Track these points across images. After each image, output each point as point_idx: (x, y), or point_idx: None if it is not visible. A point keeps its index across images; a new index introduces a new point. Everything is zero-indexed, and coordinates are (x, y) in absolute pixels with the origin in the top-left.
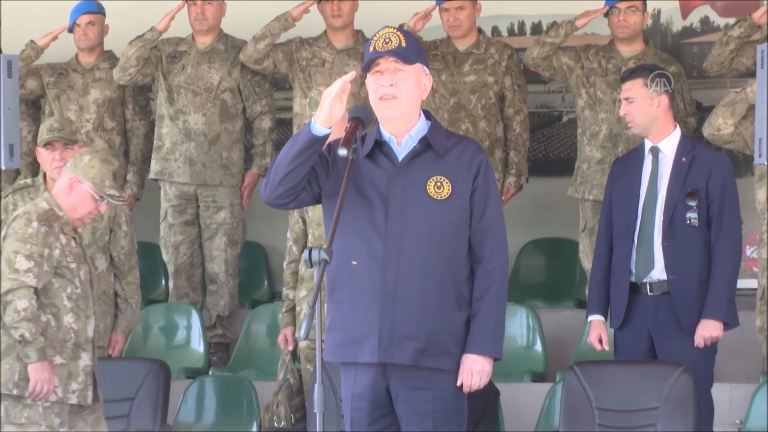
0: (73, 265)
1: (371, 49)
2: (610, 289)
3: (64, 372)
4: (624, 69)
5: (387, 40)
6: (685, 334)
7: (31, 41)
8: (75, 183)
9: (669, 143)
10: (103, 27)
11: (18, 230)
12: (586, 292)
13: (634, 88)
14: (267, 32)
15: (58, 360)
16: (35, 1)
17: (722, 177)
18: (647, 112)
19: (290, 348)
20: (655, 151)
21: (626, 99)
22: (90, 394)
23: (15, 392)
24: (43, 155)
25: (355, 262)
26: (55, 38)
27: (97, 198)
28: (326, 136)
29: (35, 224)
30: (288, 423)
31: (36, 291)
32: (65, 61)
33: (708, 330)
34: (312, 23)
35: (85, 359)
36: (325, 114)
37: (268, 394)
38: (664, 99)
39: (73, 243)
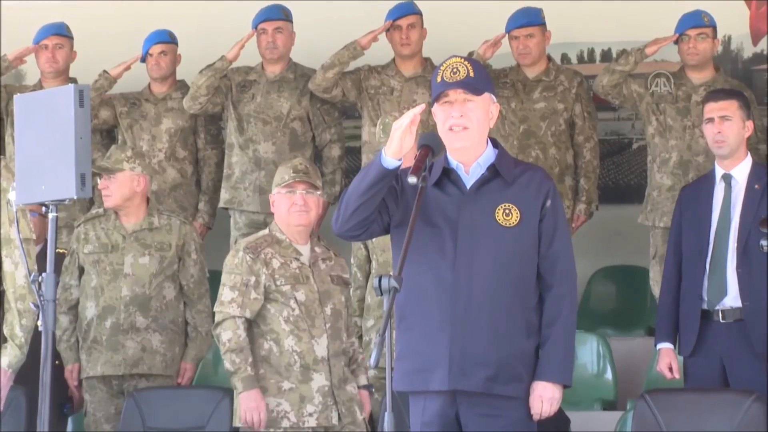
0: (286, 288)
1: (439, 79)
2: (679, 317)
3: (294, 397)
4: (709, 92)
5: (455, 70)
6: (758, 360)
7: (104, 71)
8: (272, 197)
9: (741, 170)
10: (176, 56)
11: (228, 263)
12: None
13: (731, 107)
14: (336, 61)
15: (286, 385)
16: (108, 31)
17: None
18: (739, 133)
19: None
20: (727, 178)
21: (723, 117)
22: (334, 414)
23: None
24: None
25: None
26: (128, 68)
27: (284, 192)
28: (397, 168)
29: (241, 254)
30: None
31: (248, 320)
32: (138, 90)
33: None
34: (380, 51)
35: (319, 380)
36: (395, 146)
37: None
38: (750, 125)
39: (293, 264)
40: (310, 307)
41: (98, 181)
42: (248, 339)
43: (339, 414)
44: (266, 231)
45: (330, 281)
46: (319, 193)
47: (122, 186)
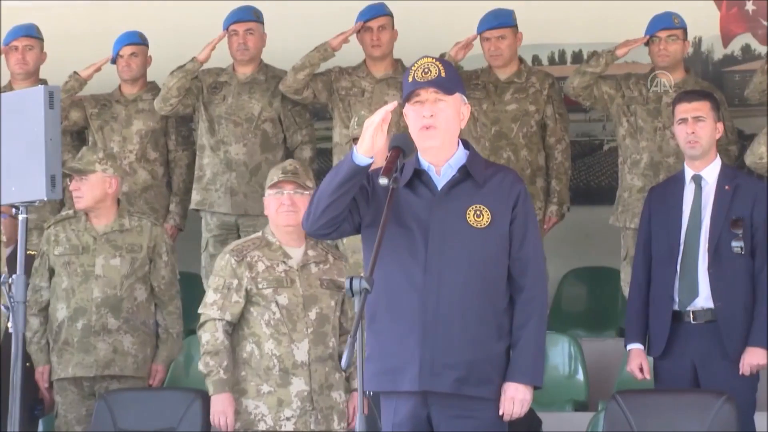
0: (268, 291)
1: (410, 79)
2: (648, 317)
3: (272, 400)
4: (680, 94)
5: (426, 70)
6: (730, 362)
7: (75, 72)
8: (265, 200)
9: (711, 171)
10: (146, 58)
11: (215, 265)
12: None
13: (704, 108)
14: (307, 62)
15: (265, 388)
16: (79, 32)
17: (766, 206)
18: (712, 134)
19: None
20: (697, 179)
21: (696, 118)
22: (312, 420)
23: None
24: None
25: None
26: (98, 69)
27: (273, 193)
28: (368, 166)
29: (227, 257)
30: None
31: (229, 323)
32: (108, 92)
33: (754, 357)
34: (351, 53)
35: (298, 384)
36: (367, 144)
37: None
38: (721, 126)
39: (279, 267)
40: (292, 311)
41: (69, 182)
42: (229, 342)
43: (316, 420)
44: (259, 234)
45: (319, 285)
46: (308, 193)
47: (94, 187)
